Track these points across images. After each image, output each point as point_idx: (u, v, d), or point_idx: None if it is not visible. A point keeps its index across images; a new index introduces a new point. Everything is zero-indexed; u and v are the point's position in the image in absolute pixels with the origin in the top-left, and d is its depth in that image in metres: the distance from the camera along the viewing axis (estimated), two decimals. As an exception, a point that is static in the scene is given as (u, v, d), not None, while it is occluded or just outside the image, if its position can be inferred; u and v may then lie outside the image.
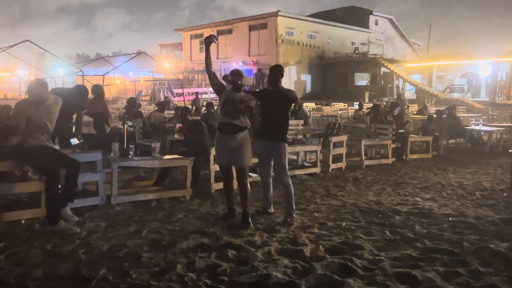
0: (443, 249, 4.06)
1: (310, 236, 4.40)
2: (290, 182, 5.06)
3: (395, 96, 34.27)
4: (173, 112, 12.35)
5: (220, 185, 6.39)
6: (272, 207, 5.31)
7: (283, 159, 5.00)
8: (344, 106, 26.29)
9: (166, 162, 6.00)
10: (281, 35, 37.42)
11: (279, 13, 36.88)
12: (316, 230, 4.61)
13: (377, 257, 3.83)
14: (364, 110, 16.84)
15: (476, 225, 4.88)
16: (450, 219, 5.12)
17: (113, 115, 18.25)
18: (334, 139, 8.43)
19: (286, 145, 5.09)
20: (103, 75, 19.31)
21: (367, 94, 34.28)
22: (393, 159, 9.54)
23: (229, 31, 40.51)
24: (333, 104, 26.81)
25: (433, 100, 27.37)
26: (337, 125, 9.06)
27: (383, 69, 39.11)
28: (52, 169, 4.54)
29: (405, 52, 50.06)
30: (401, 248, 4.12)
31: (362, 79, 42.17)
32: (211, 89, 35.29)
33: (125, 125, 6.07)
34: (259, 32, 38.44)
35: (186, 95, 23.72)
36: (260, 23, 38.30)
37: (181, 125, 7.12)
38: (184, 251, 3.93)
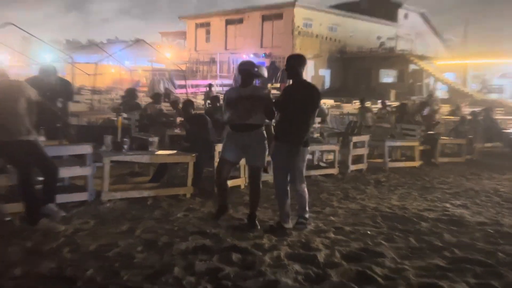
0: (475, 259, 3.98)
1: (325, 241, 4.33)
2: (306, 189, 4.86)
3: (425, 95, 34.16)
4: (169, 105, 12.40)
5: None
6: (290, 220, 4.80)
7: (301, 165, 4.75)
8: (367, 104, 26.12)
9: (164, 157, 5.99)
10: (298, 26, 37.36)
11: (297, 3, 36.83)
12: (332, 235, 4.55)
13: (399, 266, 3.76)
14: (388, 109, 16.74)
15: (512, 235, 4.79)
16: (483, 227, 5.02)
17: (106, 106, 18.38)
18: (355, 138, 8.36)
19: (308, 149, 4.87)
20: (95, 63, 19.33)
21: (393, 92, 34.08)
22: (421, 162, 9.43)
23: (240, 21, 40.56)
24: (354, 101, 26.65)
25: (467, 101, 27.08)
26: (358, 124, 8.98)
27: (412, 66, 38.86)
28: (25, 166, 4.52)
29: (437, 48, 49.63)
30: (427, 256, 4.04)
31: (387, 76, 41.93)
32: (217, 81, 35.25)
33: (120, 117, 6.05)
34: (273, 23, 38.43)
35: (189, 88, 23.72)
36: (275, 13, 38.28)
37: (183, 119, 7.10)
38: (183, 252, 3.89)
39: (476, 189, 7.21)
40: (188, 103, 7.05)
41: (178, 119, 8.16)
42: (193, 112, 6.93)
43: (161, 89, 28.28)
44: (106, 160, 5.33)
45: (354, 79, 40.62)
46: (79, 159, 5.51)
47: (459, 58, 38.31)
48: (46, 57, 23.62)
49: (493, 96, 34.65)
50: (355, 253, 4.03)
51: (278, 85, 31.74)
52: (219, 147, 6.35)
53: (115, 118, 10.01)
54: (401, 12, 46.68)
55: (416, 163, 9.31)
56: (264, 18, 39.05)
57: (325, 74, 40.26)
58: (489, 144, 12.20)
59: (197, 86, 30.81)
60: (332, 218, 5.24)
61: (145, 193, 5.69)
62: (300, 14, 37.46)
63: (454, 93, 34.27)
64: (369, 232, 4.66)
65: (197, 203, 5.71)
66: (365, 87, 37.90)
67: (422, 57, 38.80)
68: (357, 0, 47.36)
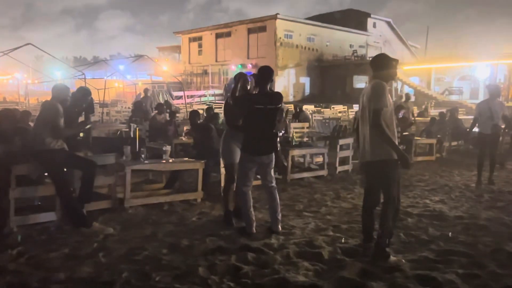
0: (459, 251, 4.11)
1: (326, 239, 4.43)
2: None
3: (394, 98, 34.52)
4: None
5: (230, 188, 6.43)
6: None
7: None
8: (343, 108, 26.41)
9: (178, 165, 6.03)
10: (280, 38, 37.51)
11: (278, 16, 36.99)
12: (331, 233, 4.64)
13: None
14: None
15: (489, 227, 4.93)
16: (462, 221, 5.16)
17: (114, 118, 18.33)
18: (341, 141, 8.47)
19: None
20: (105, 78, 19.24)
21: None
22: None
23: (228, 34, 40.58)
24: (332, 106, 26.90)
25: (433, 103, 27.47)
26: (343, 128, 9.09)
27: (381, 72, 39.11)
28: (63, 173, 4.61)
29: (403, 54, 50.15)
30: (417, 250, 4.16)
31: (361, 82, 42.25)
32: (210, 91, 35.16)
33: (137, 128, 6.06)
34: (258, 35, 38.52)
35: (186, 98, 23.70)
36: (259, 26, 38.37)
37: (189, 128, 7.14)
38: (203, 253, 3.95)
39: (450, 185, 7.38)
40: (194, 113, 7.09)
41: (185, 128, 8.19)
42: (199, 122, 6.97)
43: (161, 100, 28.22)
44: (128, 169, 5.35)
45: (331, 85, 40.89)
46: (102, 169, 5.52)
47: (424, 63, 38.77)
48: (57, 73, 23.41)
49: (454, 98, 35.20)
50: (354, 250, 4.13)
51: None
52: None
53: (126, 129, 10.00)
54: (370, 22, 47.13)
55: (394, 162, 9.43)
56: (250, 31, 39.12)
57: (305, 81, 40.47)
58: (455, 143, 12.43)
59: (192, 96, 30.73)
60: (328, 217, 5.33)
61: (162, 199, 5.73)
62: (281, 26, 37.59)
63: (420, 95, 34.68)
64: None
65: (207, 207, 5.76)
66: (341, 93, 38.21)
67: (390, 64, 39.08)
68: (331, 11, 47.86)
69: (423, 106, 23.55)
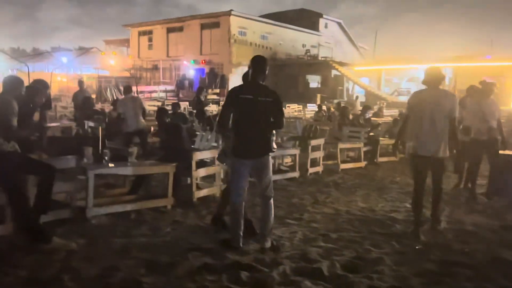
0: (460, 262, 3.91)
1: (319, 251, 4.08)
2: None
3: (345, 98, 35.18)
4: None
5: (202, 193, 5.96)
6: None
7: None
8: (299, 107, 26.44)
9: (147, 168, 5.46)
10: (234, 34, 37.01)
11: (232, 12, 36.47)
12: (322, 243, 4.31)
13: (399, 273, 3.59)
14: (323, 112, 16.90)
15: (478, 233, 4.82)
16: (449, 227, 5.02)
17: (60, 114, 17.11)
18: (313, 142, 8.20)
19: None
20: (50, 71, 17.95)
21: (319, 96, 34.70)
22: (366, 162, 9.48)
23: (180, 29, 39.54)
24: (287, 105, 26.84)
25: (384, 103, 28.13)
26: (313, 128, 8.84)
27: (333, 72, 39.80)
28: (17, 179, 3.95)
29: (353, 55, 51.34)
30: (417, 261, 3.91)
31: (313, 81, 42.71)
32: (161, 87, 34.06)
33: (100, 127, 5.43)
34: (211, 31, 37.80)
35: (137, 94, 22.69)
36: (213, 22, 37.67)
37: (157, 128, 6.56)
38: (188, 273, 3.47)
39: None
40: (162, 111, 6.51)
41: (152, 128, 7.57)
42: (167, 120, 6.42)
43: (109, 96, 26.93)
44: (91, 173, 4.73)
45: (284, 84, 40.85)
46: (59, 173, 4.85)
47: (374, 64, 39.75)
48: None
49: (402, 99, 36.35)
50: (352, 263, 3.81)
51: (217, 90, 31.31)
52: (197, 156, 5.94)
53: (77, 128, 9.18)
54: (322, 22, 47.69)
55: (362, 164, 9.33)
56: (203, 27, 38.30)
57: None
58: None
59: (142, 92, 29.56)
60: (314, 224, 5.00)
61: (128, 207, 5.14)
62: (235, 23, 37.09)
63: (370, 96, 35.49)
64: (357, 239, 4.47)
65: (179, 215, 5.24)
66: (294, 92, 38.34)
67: (342, 64, 39.83)
68: (284, 10, 47.97)
69: (375, 107, 23.97)
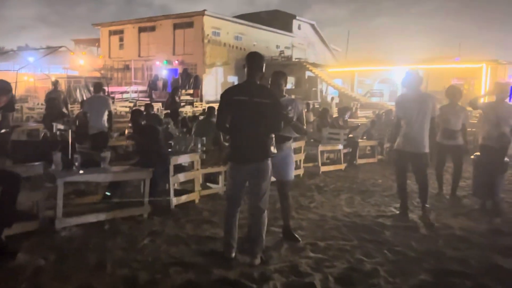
0: (456, 270, 3.75)
1: (309, 262, 3.84)
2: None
3: (319, 99, 35.29)
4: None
5: (180, 200, 5.64)
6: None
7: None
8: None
9: (122, 175, 5.10)
10: (208, 35, 36.53)
11: (206, 12, 35.99)
12: (311, 254, 4.07)
13: (397, 286, 3.40)
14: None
15: (468, 238, 4.68)
16: (438, 232, 4.87)
17: (26, 115, 16.39)
18: (294, 144, 7.96)
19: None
20: (17, 71, 17.16)
21: (293, 97, 34.61)
22: (345, 164, 9.34)
23: (152, 29, 38.75)
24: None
25: (358, 104, 28.32)
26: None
27: (307, 73, 39.89)
28: None
29: (326, 57, 51.69)
30: (411, 271, 3.72)
31: (287, 82, 42.60)
32: (133, 87, 33.24)
33: (69, 130, 5.04)
34: (184, 31, 37.18)
35: (109, 94, 22.00)
36: (186, 22, 37.08)
37: (132, 131, 6.19)
38: (171, 292, 3.17)
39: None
40: (137, 112, 6.14)
41: (127, 131, 7.15)
42: (143, 123, 6.05)
43: (78, 96, 26.11)
44: (61, 181, 4.35)
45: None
46: (25, 181, 4.45)
47: (347, 65, 40.07)
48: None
49: (375, 100, 36.79)
50: (346, 275, 3.59)
51: (191, 91, 30.84)
52: (175, 160, 5.61)
53: (45, 130, 8.66)
54: (295, 23, 47.76)
55: (342, 166, 9.19)
56: (176, 26, 37.64)
57: (234, 80, 39.90)
58: (387, 144, 12.51)
59: (112, 93, 28.76)
60: (300, 232, 4.74)
61: (102, 216, 4.77)
62: (209, 23, 36.62)
63: (344, 97, 35.73)
64: (347, 248, 4.25)
65: (157, 224, 4.90)
66: (268, 92, 38.13)
67: (315, 65, 39.99)
68: (258, 11, 47.79)
69: (356, 108, 24.07)
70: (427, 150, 5.16)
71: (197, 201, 5.88)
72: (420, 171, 5.30)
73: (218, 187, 6.33)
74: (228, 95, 3.73)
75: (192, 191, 5.90)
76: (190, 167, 6.15)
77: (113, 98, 24.23)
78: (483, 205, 5.97)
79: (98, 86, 8.31)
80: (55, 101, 11.26)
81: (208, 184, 6.56)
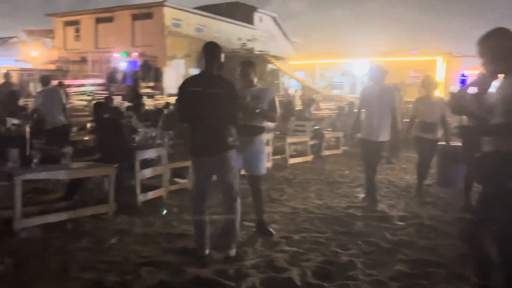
0: (430, 260, 3.77)
1: (285, 256, 3.76)
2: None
3: (282, 92, 35.39)
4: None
5: (147, 196, 5.42)
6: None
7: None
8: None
9: (85, 171, 4.83)
10: (168, 26, 35.73)
11: (165, 3, 35.18)
12: (286, 247, 4.00)
13: (374, 277, 3.36)
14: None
15: (437, 227, 4.75)
16: (408, 222, 4.91)
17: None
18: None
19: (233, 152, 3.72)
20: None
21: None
22: (312, 156, 9.35)
23: (110, 19, 37.50)
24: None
25: (321, 97, 28.58)
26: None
27: (269, 66, 39.87)
28: None
29: (287, 50, 51.85)
30: (387, 262, 3.72)
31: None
32: (90, 81, 32.16)
33: (27, 125, 4.71)
34: (143, 22, 36.21)
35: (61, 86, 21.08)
36: (145, 13, 36.10)
37: (94, 125, 5.88)
38: (143, 294, 2.99)
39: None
40: (99, 105, 5.85)
41: (89, 125, 6.79)
42: (105, 116, 5.76)
43: (32, 90, 24.94)
44: (18, 179, 4.05)
45: (221, 77, 40.42)
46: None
47: (308, 58, 40.35)
48: None
49: (336, 92, 37.25)
50: (323, 268, 3.53)
51: (152, 84, 30.12)
52: (140, 155, 5.38)
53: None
54: (256, 16, 47.58)
55: (309, 158, 9.20)
56: (134, 17, 36.59)
57: (195, 73, 39.37)
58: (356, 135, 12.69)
59: (68, 86, 27.66)
60: (274, 226, 4.66)
61: (64, 216, 4.50)
62: (169, 14, 35.82)
63: (306, 90, 35.97)
64: (322, 241, 4.19)
65: (124, 222, 4.68)
66: (231, 85, 37.91)
67: (277, 57, 39.96)
68: (219, 3, 47.26)
69: (317, 100, 24.21)
70: (385, 139, 5.49)
71: (165, 197, 5.68)
72: (374, 159, 5.58)
73: (186, 182, 6.15)
74: (184, 86, 3.65)
75: (159, 186, 5.69)
76: (158, 161, 5.93)
77: (68, 92, 23.36)
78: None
79: (45, 79, 8.02)
80: (15, 94, 10.69)
81: (175, 179, 6.36)
